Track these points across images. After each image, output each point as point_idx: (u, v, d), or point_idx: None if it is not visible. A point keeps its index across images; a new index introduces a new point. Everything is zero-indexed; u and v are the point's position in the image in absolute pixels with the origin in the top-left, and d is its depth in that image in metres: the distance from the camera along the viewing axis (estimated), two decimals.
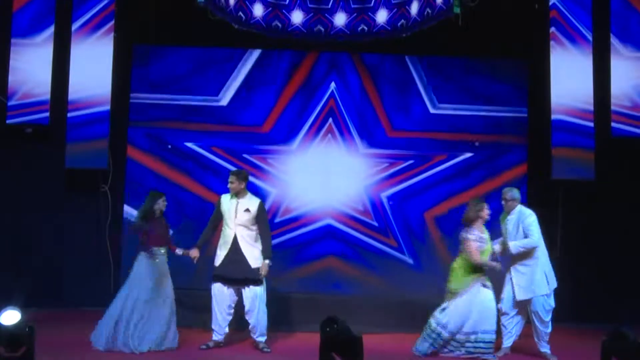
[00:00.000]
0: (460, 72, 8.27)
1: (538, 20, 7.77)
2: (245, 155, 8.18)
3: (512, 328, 6.32)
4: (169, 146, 8.15)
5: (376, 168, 8.24)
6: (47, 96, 7.62)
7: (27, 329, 4.20)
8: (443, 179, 8.21)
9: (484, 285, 6.13)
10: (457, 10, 6.79)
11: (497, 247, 6.31)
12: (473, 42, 8.01)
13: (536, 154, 8.07)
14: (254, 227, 6.35)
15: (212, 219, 6.56)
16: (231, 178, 6.42)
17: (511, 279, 6.27)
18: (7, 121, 7.63)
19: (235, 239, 6.31)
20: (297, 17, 7.55)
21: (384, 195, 8.22)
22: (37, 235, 8.01)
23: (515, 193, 6.36)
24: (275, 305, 6.71)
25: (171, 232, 6.46)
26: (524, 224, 6.22)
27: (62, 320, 7.25)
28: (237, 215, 6.32)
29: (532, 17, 7.80)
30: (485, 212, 6.21)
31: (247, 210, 6.32)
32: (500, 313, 6.28)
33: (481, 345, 6.05)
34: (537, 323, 6.21)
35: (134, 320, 6.03)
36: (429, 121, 8.24)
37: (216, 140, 8.19)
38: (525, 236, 6.20)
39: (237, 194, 6.39)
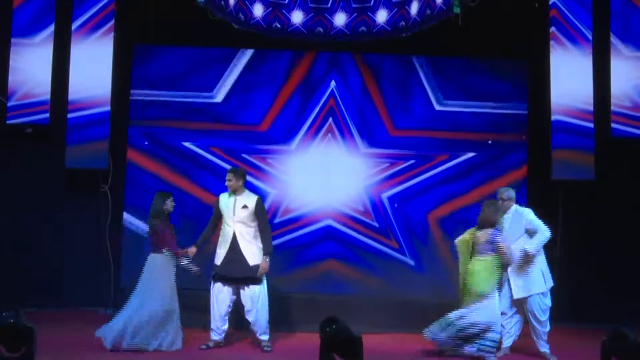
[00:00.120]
0: (461, 72, 8.25)
1: (538, 20, 7.77)
2: (244, 155, 8.16)
3: (511, 328, 6.31)
4: (166, 146, 8.14)
5: (377, 168, 8.20)
6: (47, 96, 7.62)
7: (27, 329, 4.20)
8: (445, 179, 8.16)
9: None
10: (457, 10, 6.79)
11: (517, 253, 6.23)
12: (473, 42, 8.01)
13: (536, 154, 8.07)
14: (253, 224, 6.36)
15: (212, 218, 6.56)
16: (229, 176, 6.42)
17: (508, 278, 6.27)
18: (7, 121, 7.63)
19: (234, 237, 6.31)
20: (297, 17, 7.55)
21: (385, 195, 8.18)
22: (37, 235, 8.02)
23: (511, 192, 6.38)
24: (276, 305, 6.70)
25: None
26: (527, 221, 6.23)
27: (62, 320, 7.25)
28: (236, 212, 6.33)
29: (532, 17, 7.81)
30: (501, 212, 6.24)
31: (245, 206, 6.33)
32: None
33: (489, 344, 6.03)
34: (534, 322, 6.21)
35: (145, 327, 6.02)
36: (430, 120, 8.21)
37: (215, 140, 8.16)
38: (529, 234, 6.20)
39: (235, 192, 6.40)
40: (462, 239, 6.29)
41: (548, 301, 6.25)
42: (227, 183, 6.42)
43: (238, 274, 6.27)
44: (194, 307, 7.01)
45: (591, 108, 7.55)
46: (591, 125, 7.53)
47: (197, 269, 6.30)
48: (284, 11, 7.52)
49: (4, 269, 7.76)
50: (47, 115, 7.62)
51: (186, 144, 8.17)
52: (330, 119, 8.24)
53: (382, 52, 8.19)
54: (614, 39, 7.64)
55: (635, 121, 7.58)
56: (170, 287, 6.21)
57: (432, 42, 7.84)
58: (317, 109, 8.26)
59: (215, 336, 6.38)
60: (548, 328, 6.25)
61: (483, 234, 6.10)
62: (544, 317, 6.21)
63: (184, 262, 6.26)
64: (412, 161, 8.19)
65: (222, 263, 6.33)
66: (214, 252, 6.45)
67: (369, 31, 7.56)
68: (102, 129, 7.60)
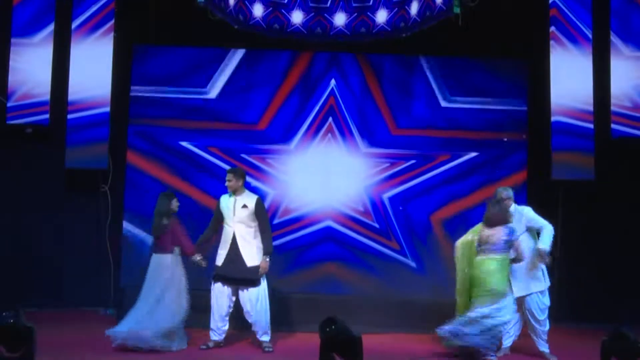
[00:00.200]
0: (462, 72, 8.22)
1: (538, 20, 7.77)
2: (243, 155, 8.12)
3: (511, 328, 6.29)
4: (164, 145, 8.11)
5: (377, 168, 8.17)
6: (47, 97, 7.62)
7: (27, 329, 4.20)
8: (446, 180, 8.12)
9: None
10: (457, 10, 6.79)
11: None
12: (473, 42, 8.01)
13: (536, 154, 8.07)
14: (253, 224, 6.36)
15: (213, 220, 6.57)
16: (228, 176, 6.43)
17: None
18: (7, 121, 7.63)
19: (234, 237, 6.32)
20: (297, 17, 7.55)
21: (386, 196, 8.15)
22: (37, 235, 8.02)
23: (510, 192, 6.38)
24: (276, 305, 6.69)
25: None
26: (528, 219, 6.22)
27: (62, 320, 7.25)
28: (236, 212, 6.34)
29: (532, 16, 7.81)
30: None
31: (245, 206, 6.34)
32: None
33: (496, 341, 6.00)
34: (532, 322, 6.20)
35: (154, 331, 6.01)
36: (432, 119, 8.16)
37: (213, 140, 8.12)
38: (530, 231, 6.21)
39: (235, 192, 6.40)
40: (465, 241, 6.25)
41: (547, 300, 6.24)
42: (227, 183, 6.42)
43: (237, 274, 6.28)
44: (194, 307, 6.98)
45: (591, 108, 7.55)
46: (591, 126, 7.53)
47: (206, 264, 6.42)
48: (283, 11, 7.52)
49: (4, 269, 7.76)
50: (47, 116, 7.61)
51: (184, 143, 8.13)
52: (330, 119, 8.20)
53: (382, 52, 8.17)
54: (614, 38, 7.63)
55: (635, 121, 7.58)
56: (182, 290, 6.25)
57: (432, 41, 7.83)
58: (316, 108, 8.22)
59: (215, 336, 6.38)
60: (547, 327, 6.25)
61: (495, 232, 6.03)
62: (543, 316, 6.21)
63: (197, 258, 6.36)
64: (413, 161, 8.15)
65: (222, 263, 6.33)
66: (216, 253, 6.45)
67: (369, 31, 7.56)
68: (102, 130, 7.59)
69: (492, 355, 6.02)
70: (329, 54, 8.22)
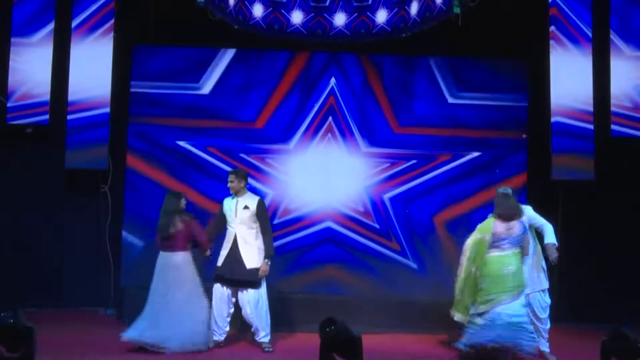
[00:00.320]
0: (462, 71, 8.19)
1: (538, 20, 7.77)
2: (242, 155, 8.07)
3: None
4: (163, 145, 8.08)
5: (378, 168, 8.12)
6: (47, 97, 7.60)
7: (26, 329, 4.20)
8: (448, 180, 8.08)
9: None
10: (457, 10, 6.79)
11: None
12: (473, 42, 8.01)
13: (536, 154, 8.07)
14: (255, 225, 6.37)
15: (215, 221, 6.58)
16: (231, 177, 6.44)
17: None
18: (7, 122, 7.63)
19: (235, 238, 6.33)
20: (297, 17, 7.55)
21: (387, 196, 8.10)
22: (37, 235, 8.01)
23: (509, 191, 6.39)
24: (276, 305, 6.69)
25: None
26: (529, 217, 6.22)
27: (62, 320, 7.25)
28: (237, 213, 6.35)
29: (532, 16, 7.81)
30: None
31: (247, 207, 6.35)
32: None
33: (531, 335, 5.94)
34: (534, 320, 6.19)
35: (175, 334, 6.01)
36: (434, 119, 8.13)
37: (211, 140, 8.06)
38: (531, 229, 6.22)
39: (237, 193, 6.41)
40: (476, 240, 6.15)
41: (547, 299, 6.27)
42: (229, 184, 6.43)
43: (235, 276, 6.28)
44: None
45: (591, 108, 7.54)
46: (591, 127, 7.52)
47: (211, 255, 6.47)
48: (283, 11, 7.51)
49: (4, 269, 7.75)
50: (47, 116, 7.61)
51: (182, 143, 8.06)
52: (330, 118, 8.16)
53: (382, 52, 8.16)
54: (614, 37, 7.62)
55: (635, 122, 7.57)
56: (197, 288, 6.22)
57: (432, 41, 7.83)
58: (316, 107, 8.16)
59: (215, 336, 6.37)
60: (548, 326, 6.25)
61: (513, 226, 6.01)
62: (544, 314, 6.23)
63: (208, 253, 6.40)
64: (414, 161, 8.09)
65: (222, 264, 6.35)
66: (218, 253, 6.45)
67: (369, 32, 7.55)
68: (102, 133, 7.57)
69: (531, 349, 5.92)
70: (328, 52, 8.16)
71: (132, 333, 6.04)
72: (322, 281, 7.99)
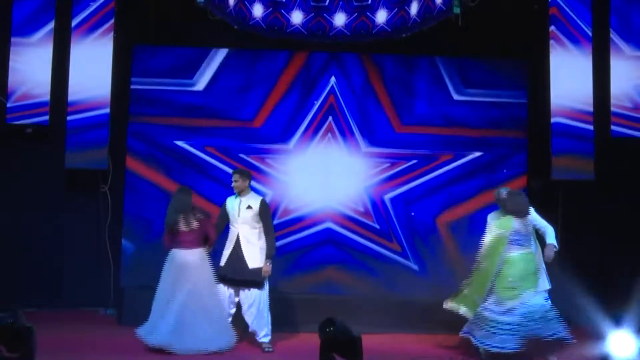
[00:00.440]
0: (463, 71, 8.19)
1: (538, 20, 7.77)
2: (241, 155, 8.05)
3: None
4: (161, 145, 8.06)
5: (378, 168, 8.10)
6: (47, 97, 7.61)
7: (26, 329, 4.20)
8: (449, 180, 8.07)
9: None
10: (457, 10, 6.80)
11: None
12: (473, 42, 8.00)
13: (536, 154, 8.06)
14: (258, 225, 6.37)
15: (217, 220, 6.56)
16: (235, 177, 6.44)
17: None
18: (7, 122, 7.62)
19: (238, 238, 6.33)
20: (296, 17, 7.55)
21: (387, 197, 8.07)
22: (37, 235, 8.01)
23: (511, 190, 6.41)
24: (276, 306, 6.67)
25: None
26: (532, 218, 6.23)
27: (62, 320, 7.24)
28: (240, 213, 6.35)
29: (532, 16, 7.81)
30: None
31: (250, 207, 6.35)
32: None
33: (561, 324, 6.05)
34: None
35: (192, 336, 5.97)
36: (435, 118, 8.12)
37: (210, 139, 8.05)
38: (536, 231, 6.25)
39: (241, 193, 6.41)
40: (497, 236, 6.14)
41: (547, 299, 6.27)
42: (233, 184, 6.43)
43: (238, 276, 6.28)
44: None
45: (591, 109, 7.54)
46: (591, 127, 7.52)
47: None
48: (283, 11, 7.51)
49: (4, 269, 7.75)
50: (47, 117, 7.61)
51: (181, 143, 8.04)
52: (330, 117, 8.14)
53: (382, 52, 8.15)
54: (614, 36, 7.62)
55: (635, 122, 7.58)
56: (212, 286, 6.19)
57: (432, 41, 7.83)
58: (316, 107, 8.14)
59: None
60: None
61: (528, 223, 6.10)
62: None
63: (210, 250, 6.38)
64: (415, 161, 8.08)
65: (224, 264, 6.35)
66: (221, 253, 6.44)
67: (369, 32, 7.55)
68: (101, 132, 7.56)
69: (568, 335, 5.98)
70: (328, 52, 8.14)
71: (154, 338, 5.92)
72: (322, 282, 7.98)
